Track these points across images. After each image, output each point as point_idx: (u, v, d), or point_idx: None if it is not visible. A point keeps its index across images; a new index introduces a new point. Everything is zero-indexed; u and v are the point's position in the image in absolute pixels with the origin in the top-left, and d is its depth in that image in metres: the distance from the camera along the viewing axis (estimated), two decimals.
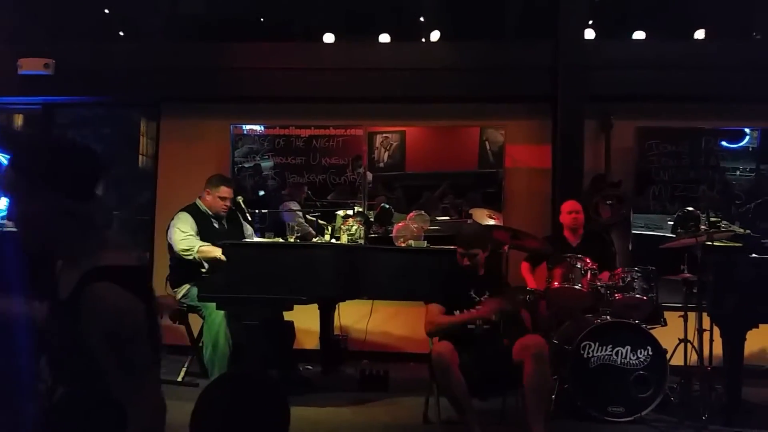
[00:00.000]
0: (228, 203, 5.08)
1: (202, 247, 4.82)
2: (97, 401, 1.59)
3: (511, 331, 3.96)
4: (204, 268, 4.80)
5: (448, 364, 3.63)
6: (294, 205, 6.28)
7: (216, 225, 5.09)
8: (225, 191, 5.05)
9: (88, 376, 1.59)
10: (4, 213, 6.31)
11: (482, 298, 4.00)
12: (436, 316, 3.97)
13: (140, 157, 6.97)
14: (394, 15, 6.86)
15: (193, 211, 5.05)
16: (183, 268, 4.93)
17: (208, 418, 1.49)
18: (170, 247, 5.03)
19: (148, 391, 1.61)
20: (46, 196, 1.58)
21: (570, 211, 5.10)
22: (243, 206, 5.25)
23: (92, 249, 1.63)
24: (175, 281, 5.07)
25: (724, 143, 6.23)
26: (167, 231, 5.02)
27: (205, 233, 4.94)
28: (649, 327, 4.45)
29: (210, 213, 5.07)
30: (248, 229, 5.29)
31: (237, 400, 1.49)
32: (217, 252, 4.68)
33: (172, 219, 5.02)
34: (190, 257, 4.83)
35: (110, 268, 1.59)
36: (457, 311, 3.98)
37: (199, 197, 5.12)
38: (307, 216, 6.08)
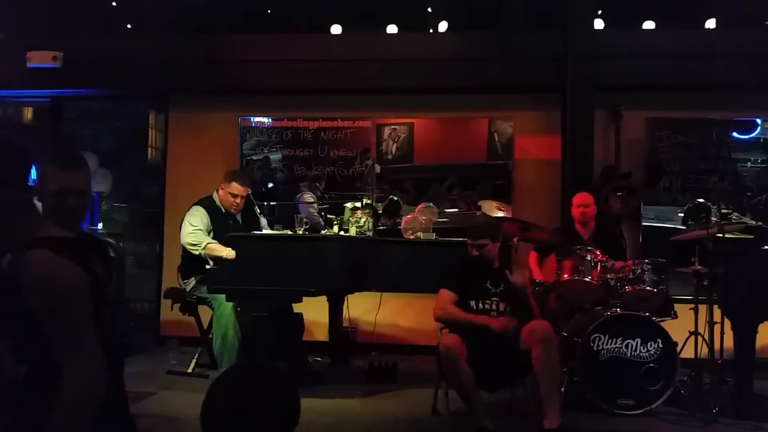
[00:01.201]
0: (239, 201, 5.05)
1: (210, 245, 4.82)
2: (55, 372, 1.61)
3: (520, 319, 3.95)
4: (209, 264, 4.81)
5: (456, 356, 3.64)
6: (310, 197, 6.29)
7: (230, 219, 5.09)
8: (235, 188, 5.03)
9: (40, 349, 1.62)
10: None
11: (497, 290, 4.00)
12: (448, 304, 3.96)
13: (149, 149, 6.98)
14: (401, 6, 6.82)
15: (208, 204, 5.05)
16: (194, 259, 4.94)
17: (218, 409, 1.49)
18: None
19: (83, 352, 1.62)
20: None
21: (579, 205, 5.06)
22: (252, 199, 5.26)
23: (31, 229, 1.69)
24: (185, 272, 5.08)
25: (735, 134, 6.17)
26: (181, 224, 5.03)
27: (218, 227, 4.94)
28: (659, 319, 4.43)
29: (224, 208, 5.07)
30: (263, 221, 5.30)
31: (248, 392, 1.48)
32: (224, 252, 4.69)
33: (187, 211, 5.03)
34: (196, 252, 4.84)
35: (44, 238, 1.65)
36: (473, 302, 3.98)
37: (216, 190, 5.13)
38: (319, 208, 6.08)
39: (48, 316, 1.61)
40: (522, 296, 4.05)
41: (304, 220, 4.97)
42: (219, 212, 5.05)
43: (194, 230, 4.88)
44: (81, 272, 1.65)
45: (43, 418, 1.61)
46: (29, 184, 1.76)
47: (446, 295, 3.99)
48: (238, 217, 5.17)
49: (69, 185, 2.01)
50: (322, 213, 5.40)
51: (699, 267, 4.50)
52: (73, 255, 1.66)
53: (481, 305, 3.99)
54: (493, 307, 3.99)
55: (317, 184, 6.42)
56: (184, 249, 5.02)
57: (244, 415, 1.47)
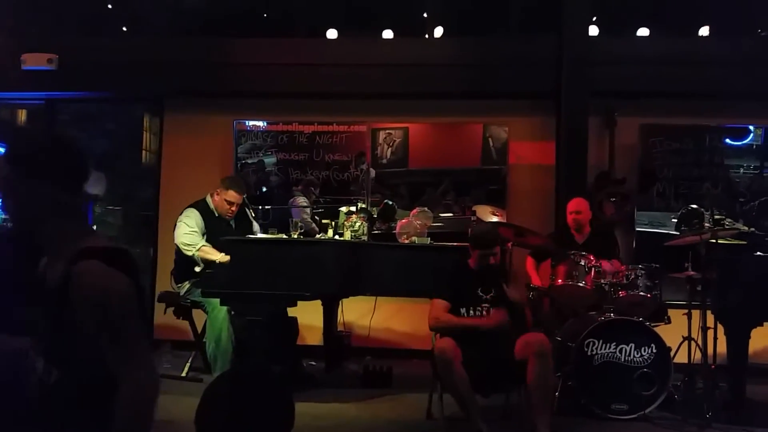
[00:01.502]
0: (234, 209, 5.05)
1: (204, 247, 4.82)
2: (90, 380, 1.63)
3: (513, 328, 3.96)
4: (199, 267, 4.80)
5: (450, 359, 3.64)
6: (304, 201, 6.28)
7: (223, 223, 5.08)
8: (232, 195, 5.02)
9: (79, 356, 1.63)
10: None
11: (488, 296, 4.00)
12: (441, 313, 3.97)
13: (143, 152, 6.97)
14: (397, 11, 6.83)
15: (202, 207, 5.05)
16: (188, 263, 4.93)
17: (213, 413, 1.49)
18: None
19: (138, 363, 1.64)
20: (38, 188, 1.64)
21: (571, 212, 5.08)
22: (246, 202, 5.25)
23: (78, 237, 1.69)
24: (179, 276, 5.07)
25: (728, 141, 6.22)
26: (174, 226, 5.02)
27: (211, 231, 4.94)
28: (653, 324, 4.44)
29: (216, 214, 5.07)
30: (255, 225, 5.29)
31: (242, 396, 1.48)
32: (217, 256, 4.68)
33: (181, 214, 5.03)
34: (189, 253, 4.83)
35: (93, 248, 1.64)
36: (464, 309, 3.99)
37: (211, 194, 5.12)
38: (312, 212, 6.08)
39: (103, 328, 1.61)
40: (518, 309, 4.05)
41: (299, 224, 4.97)
42: (212, 216, 5.05)
43: (190, 231, 4.88)
44: (131, 283, 1.66)
45: (69, 424, 1.62)
46: (83, 188, 1.74)
47: (439, 304, 4.00)
48: (231, 222, 5.16)
49: None
50: (316, 218, 5.40)
51: (692, 272, 4.52)
52: (121, 265, 1.66)
53: (471, 312, 4.00)
54: (484, 313, 3.99)
55: (312, 188, 6.42)
56: (177, 253, 5.01)
57: (239, 418, 1.47)
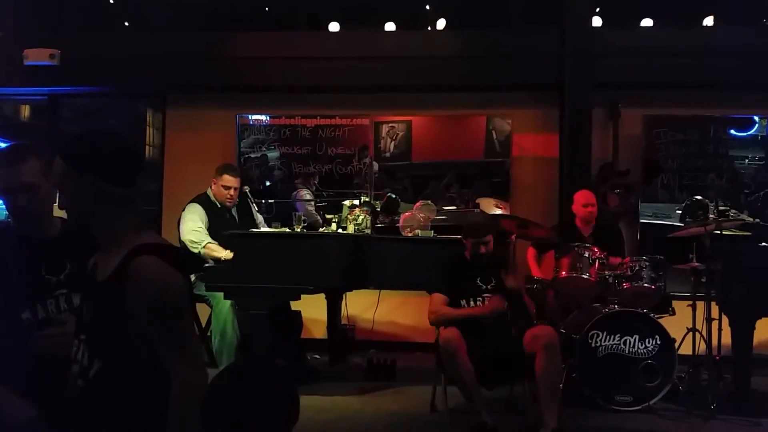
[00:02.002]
0: (233, 193, 5.04)
1: (210, 245, 4.82)
2: (133, 373, 1.68)
3: (517, 321, 3.96)
4: (207, 264, 4.80)
5: (455, 349, 3.64)
6: (308, 194, 6.28)
7: (227, 215, 5.08)
8: (228, 180, 5.02)
9: (125, 349, 1.67)
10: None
11: (488, 286, 4.00)
12: (440, 307, 3.97)
13: (147, 147, 6.97)
14: (399, 3, 6.82)
15: (204, 201, 5.04)
16: (191, 257, 4.92)
17: (219, 406, 1.49)
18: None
19: (190, 357, 1.70)
20: (93, 183, 1.69)
21: (585, 204, 5.01)
22: (249, 196, 5.25)
23: (132, 232, 1.74)
24: None
25: (732, 131, 6.19)
26: (178, 222, 5.02)
27: (215, 224, 4.93)
28: (657, 316, 4.44)
29: (220, 204, 5.07)
30: (259, 217, 5.29)
31: (248, 389, 1.48)
32: (222, 253, 4.69)
33: (184, 209, 5.02)
34: (195, 250, 4.83)
35: (152, 244, 1.71)
36: (464, 300, 3.99)
37: (210, 187, 5.13)
38: (316, 205, 6.08)
39: (158, 323, 1.65)
40: (517, 298, 4.05)
41: (302, 217, 4.97)
42: (215, 208, 5.05)
43: (196, 228, 4.87)
44: (185, 280, 1.73)
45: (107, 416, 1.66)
46: (134, 183, 1.77)
47: (438, 298, 4.01)
48: (234, 213, 5.16)
49: (11, 183, 2.01)
50: (320, 210, 5.40)
51: (697, 264, 4.51)
52: (176, 262, 1.72)
53: (472, 303, 4.00)
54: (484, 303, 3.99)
55: (311, 180, 6.41)
56: (182, 247, 5.01)
57: (244, 412, 1.47)
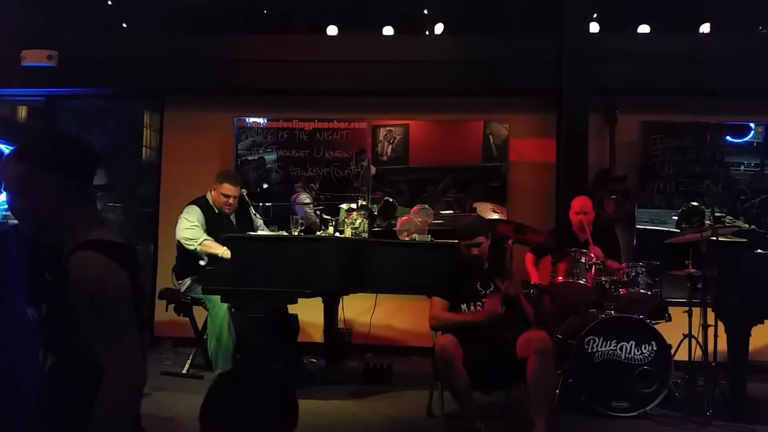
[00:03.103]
0: (232, 202, 5.03)
1: (206, 241, 4.82)
2: (83, 367, 1.67)
3: (514, 326, 3.96)
4: (203, 261, 4.80)
5: (451, 357, 3.64)
6: (307, 198, 6.28)
7: (224, 220, 5.08)
8: (228, 188, 5.01)
9: (74, 343, 1.67)
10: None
11: (488, 291, 4.00)
12: (441, 312, 3.97)
13: (144, 149, 6.96)
14: (397, 7, 6.82)
15: (203, 204, 5.05)
16: (189, 260, 4.92)
17: (218, 410, 1.48)
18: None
19: (125, 354, 1.67)
20: (49, 182, 1.70)
21: (578, 212, 5.00)
22: (247, 199, 5.25)
23: (88, 227, 1.75)
24: (180, 272, 5.07)
25: (729, 138, 6.21)
26: (176, 223, 5.02)
27: (213, 226, 4.94)
28: (653, 322, 4.45)
29: (217, 210, 5.06)
30: (258, 220, 5.29)
31: (247, 394, 1.48)
32: (219, 250, 4.68)
33: (182, 211, 5.03)
34: (191, 247, 4.83)
35: (94, 240, 1.70)
36: (464, 305, 3.99)
37: (209, 191, 5.13)
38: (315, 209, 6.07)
39: (93, 316, 1.65)
40: (515, 304, 4.04)
41: (300, 221, 4.97)
42: (213, 212, 5.05)
43: (192, 226, 4.87)
44: (126, 276, 1.71)
45: (62, 412, 1.68)
46: (91, 180, 1.81)
47: (439, 303, 4.00)
48: (232, 218, 5.16)
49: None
50: (318, 213, 5.40)
51: (693, 270, 4.52)
52: (121, 259, 1.71)
53: (472, 308, 4.00)
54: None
55: (312, 184, 6.42)
56: (179, 249, 5.01)
57: (243, 417, 1.47)
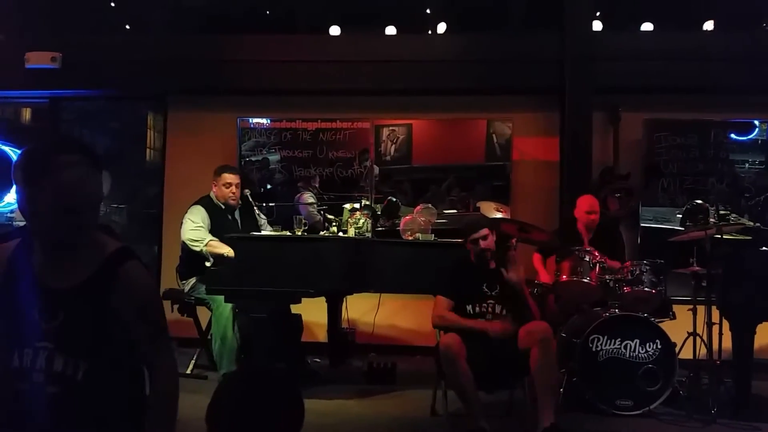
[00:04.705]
0: (234, 190, 5.06)
1: (212, 242, 4.82)
2: (120, 370, 1.77)
3: (519, 323, 3.95)
4: (209, 262, 4.81)
5: (455, 355, 3.63)
6: (311, 197, 6.28)
7: (229, 217, 5.09)
8: (227, 177, 5.05)
9: (112, 346, 1.75)
10: (14, 207, 6.34)
11: (493, 293, 3.99)
12: (445, 311, 3.96)
13: (148, 150, 6.97)
14: (400, 7, 6.82)
15: (207, 203, 5.06)
16: (193, 260, 4.93)
17: (224, 411, 1.49)
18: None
19: (168, 354, 1.83)
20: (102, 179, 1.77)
21: (588, 212, 4.98)
22: (250, 200, 5.26)
23: (99, 237, 1.79)
24: (184, 273, 5.07)
25: (733, 135, 6.19)
26: (181, 223, 5.03)
27: (217, 226, 4.94)
28: (657, 320, 4.43)
29: (223, 206, 5.07)
30: (261, 219, 5.30)
31: (254, 395, 1.49)
32: (225, 249, 4.69)
33: (186, 212, 5.03)
34: (197, 248, 4.83)
35: (129, 248, 1.81)
36: (469, 306, 3.97)
37: (212, 190, 5.14)
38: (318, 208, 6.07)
39: (148, 323, 1.78)
40: (519, 294, 4.02)
41: (303, 220, 4.97)
42: (218, 210, 5.06)
43: (196, 227, 4.88)
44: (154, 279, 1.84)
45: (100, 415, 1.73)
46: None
47: (443, 302, 3.99)
48: (237, 216, 5.17)
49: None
50: (322, 212, 5.41)
51: (697, 268, 4.50)
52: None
53: (477, 309, 3.98)
54: (489, 309, 3.97)
55: (312, 183, 6.42)
56: (183, 249, 5.02)
57: (250, 417, 1.47)
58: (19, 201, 1.76)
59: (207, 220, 4.95)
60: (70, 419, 1.73)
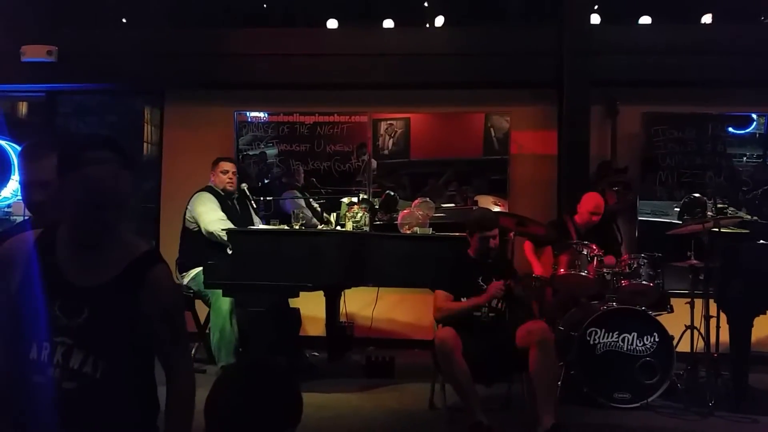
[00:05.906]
0: (231, 176, 5.09)
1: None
2: (137, 370, 1.81)
3: (517, 318, 3.96)
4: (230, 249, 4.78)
5: (451, 349, 3.64)
6: (296, 192, 6.26)
7: (229, 203, 5.13)
8: (224, 165, 5.10)
9: (133, 346, 1.78)
10: (11, 201, 6.32)
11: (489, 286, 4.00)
12: (445, 302, 3.97)
13: (145, 144, 6.95)
14: (398, 1, 6.80)
15: (210, 190, 5.07)
16: (194, 251, 4.92)
17: (223, 404, 1.49)
18: (184, 230, 5.02)
19: (189, 356, 1.91)
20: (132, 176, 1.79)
21: (592, 212, 4.97)
22: (248, 194, 5.25)
23: (126, 236, 1.84)
24: (183, 266, 5.06)
25: (730, 129, 6.19)
26: (185, 212, 5.01)
27: (223, 210, 4.96)
28: (655, 313, 4.44)
29: (222, 192, 5.08)
30: (256, 219, 5.30)
31: (253, 388, 1.49)
32: None
33: (192, 199, 5.01)
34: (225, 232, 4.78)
35: (156, 251, 1.89)
36: (465, 299, 3.98)
37: (210, 181, 5.15)
38: (312, 203, 6.05)
39: (172, 327, 1.83)
40: (522, 301, 4.04)
41: (300, 215, 4.97)
42: (220, 196, 5.08)
43: (221, 217, 4.87)
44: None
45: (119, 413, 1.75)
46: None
47: (442, 295, 3.99)
48: (236, 203, 5.18)
49: (31, 177, 2.05)
50: (313, 205, 5.40)
51: (695, 261, 4.51)
52: None
53: None
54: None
55: (297, 177, 6.38)
56: (185, 240, 5.01)
57: (248, 410, 1.46)
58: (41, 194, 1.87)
59: (218, 204, 4.97)
60: (84, 416, 1.73)
